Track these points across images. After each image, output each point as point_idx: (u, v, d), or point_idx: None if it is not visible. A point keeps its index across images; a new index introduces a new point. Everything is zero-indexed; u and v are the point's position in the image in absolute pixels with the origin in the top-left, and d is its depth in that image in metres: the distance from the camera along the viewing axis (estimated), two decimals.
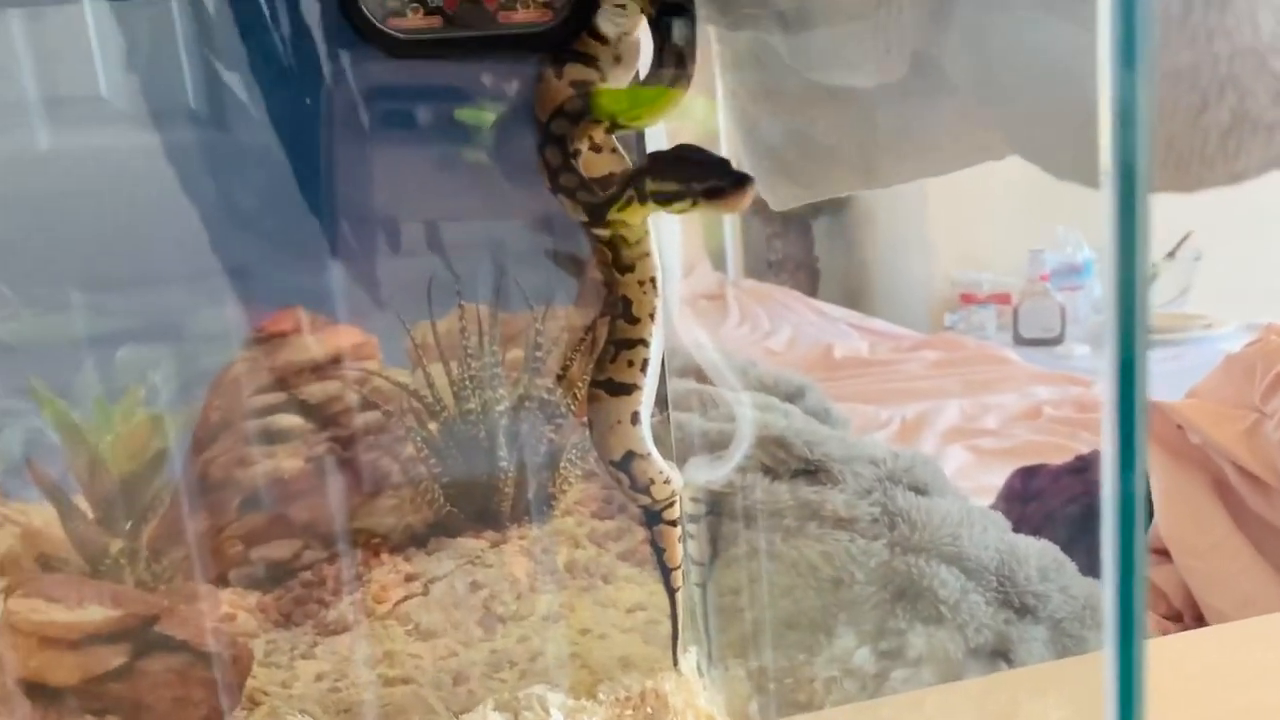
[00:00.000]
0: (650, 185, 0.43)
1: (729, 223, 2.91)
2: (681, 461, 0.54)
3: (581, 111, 0.42)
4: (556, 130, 0.42)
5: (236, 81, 0.47)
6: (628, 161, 0.47)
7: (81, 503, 0.48)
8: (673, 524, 0.50)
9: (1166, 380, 2.16)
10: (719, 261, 2.92)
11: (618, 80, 0.47)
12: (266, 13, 0.47)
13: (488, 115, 0.48)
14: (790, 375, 1.08)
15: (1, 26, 0.45)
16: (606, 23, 0.45)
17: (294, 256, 0.49)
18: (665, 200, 0.43)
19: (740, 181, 0.41)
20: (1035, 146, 0.31)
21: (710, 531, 0.62)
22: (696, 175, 0.42)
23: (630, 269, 0.48)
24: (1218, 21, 0.25)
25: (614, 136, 0.48)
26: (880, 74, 0.34)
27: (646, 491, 0.49)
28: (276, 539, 0.50)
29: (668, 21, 0.41)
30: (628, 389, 0.48)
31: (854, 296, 2.95)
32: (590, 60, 0.46)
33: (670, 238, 0.49)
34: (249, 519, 0.50)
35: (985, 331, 2.69)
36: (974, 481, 1.40)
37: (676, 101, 0.42)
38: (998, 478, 1.36)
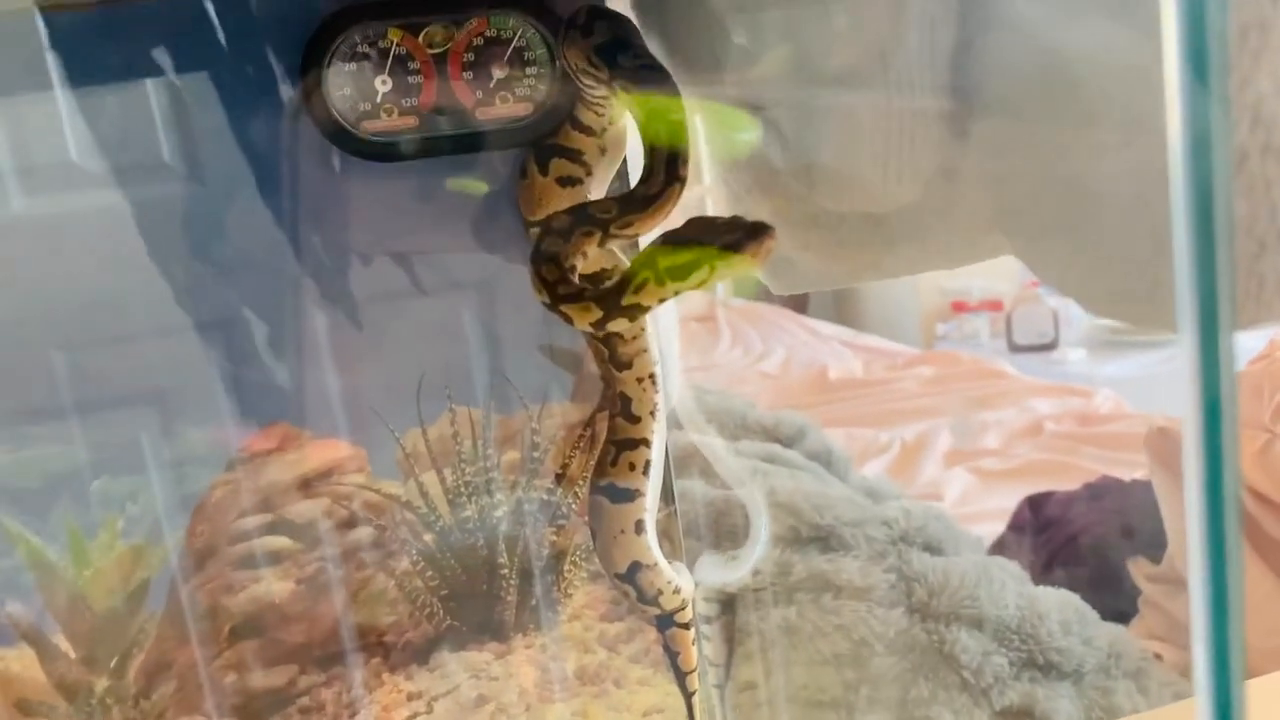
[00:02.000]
0: (663, 262, 0.39)
1: None
2: (689, 539, 0.52)
3: (570, 228, 0.40)
4: (549, 249, 0.40)
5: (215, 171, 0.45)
6: (619, 256, 0.45)
7: (62, 642, 0.46)
8: (685, 627, 0.48)
9: (1165, 384, 2.15)
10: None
11: (605, 172, 0.45)
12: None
13: (480, 185, 0.46)
14: (790, 417, 1.06)
15: None
16: (589, 114, 0.43)
17: (275, 366, 0.47)
18: (681, 274, 0.39)
19: (756, 232, 0.37)
20: (1069, 285, 0.29)
21: (725, 630, 0.60)
22: (708, 236, 0.38)
23: (628, 365, 0.46)
24: (1275, 171, 0.23)
25: None
26: (891, 201, 0.32)
27: (655, 603, 0.46)
28: (270, 665, 0.48)
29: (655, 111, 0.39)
30: (630, 495, 0.45)
31: (845, 310, 2.93)
32: (575, 154, 0.44)
33: (669, 330, 0.47)
34: (240, 646, 0.47)
35: (979, 339, 2.68)
36: (979, 506, 1.38)
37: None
38: (1003, 500, 1.34)
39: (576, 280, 0.40)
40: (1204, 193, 0.19)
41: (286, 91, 0.44)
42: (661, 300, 0.39)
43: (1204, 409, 0.20)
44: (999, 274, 2.70)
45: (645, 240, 0.41)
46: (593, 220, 0.39)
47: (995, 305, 2.72)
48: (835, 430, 1.17)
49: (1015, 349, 2.57)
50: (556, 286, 0.40)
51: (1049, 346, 2.54)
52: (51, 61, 0.42)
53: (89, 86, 0.43)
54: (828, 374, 2.05)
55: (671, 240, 0.39)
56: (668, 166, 0.38)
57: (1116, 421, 1.63)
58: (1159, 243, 0.24)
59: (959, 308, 2.79)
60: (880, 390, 1.93)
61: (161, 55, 0.43)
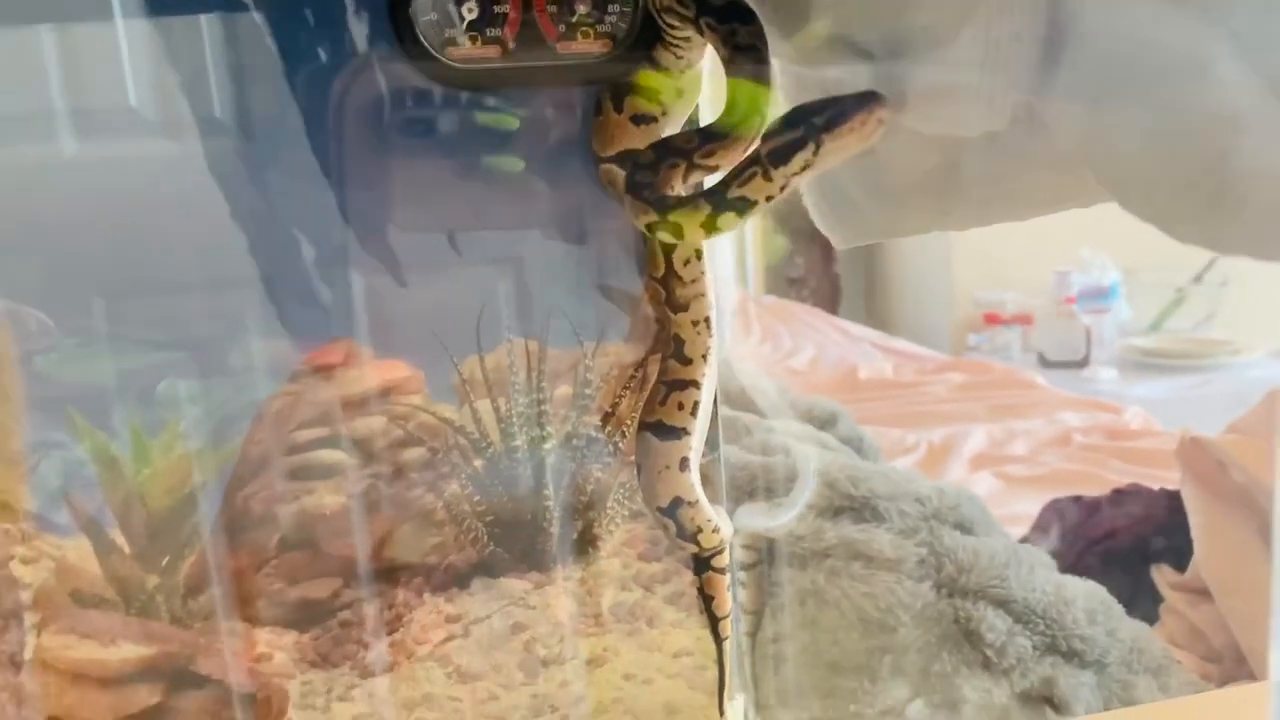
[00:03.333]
0: (765, 147, 0.39)
1: (749, 236, 2.90)
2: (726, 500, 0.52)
3: (656, 161, 0.41)
4: (641, 179, 0.40)
5: (279, 99, 0.46)
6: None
7: (118, 537, 0.47)
8: (721, 571, 0.49)
9: (1195, 407, 2.13)
10: (740, 275, 2.90)
11: (679, 112, 0.46)
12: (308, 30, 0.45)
13: (510, 119, 0.47)
14: (823, 402, 1.07)
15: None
16: (668, 54, 0.44)
17: (341, 283, 0.48)
18: (784, 156, 0.38)
19: (864, 100, 0.36)
20: (1155, 209, 0.29)
21: (760, 580, 0.60)
22: (812, 112, 0.38)
23: (684, 308, 0.47)
24: None
25: None
26: (980, 124, 0.33)
27: (694, 539, 0.47)
28: (315, 577, 0.49)
29: (740, 61, 0.40)
30: (677, 433, 0.46)
31: (876, 314, 2.92)
32: (652, 93, 0.44)
33: (724, 277, 0.47)
34: (288, 557, 0.48)
35: (1010, 352, 2.66)
36: (1005, 509, 1.37)
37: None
38: (1028, 506, 1.33)
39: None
40: None
41: (373, 20, 0.45)
42: (769, 197, 0.39)
43: None
44: (1033, 288, 2.68)
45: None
46: (678, 151, 0.40)
47: (1028, 319, 2.71)
48: (863, 428, 1.18)
49: (1046, 364, 2.55)
50: (660, 199, 0.40)
51: (1080, 363, 2.52)
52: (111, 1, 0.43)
53: (149, 28, 0.44)
54: (858, 373, 2.05)
55: (773, 128, 0.39)
56: (749, 99, 0.39)
57: (1145, 438, 1.62)
58: (1248, 168, 0.25)
59: (991, 319, 2.78)
60: (909, 393, 1.93)
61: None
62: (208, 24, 0.45)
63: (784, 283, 3.13)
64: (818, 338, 2.42)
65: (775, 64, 0.39)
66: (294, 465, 0.48)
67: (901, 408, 1.86)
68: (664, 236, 0.41)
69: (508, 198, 0.48)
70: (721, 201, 0.39)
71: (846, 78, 0.38)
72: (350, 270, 0.47)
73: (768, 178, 0.38)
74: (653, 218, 0.40)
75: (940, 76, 0.32)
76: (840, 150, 0.38)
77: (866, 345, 2.36)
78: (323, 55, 0.46)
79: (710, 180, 0.42)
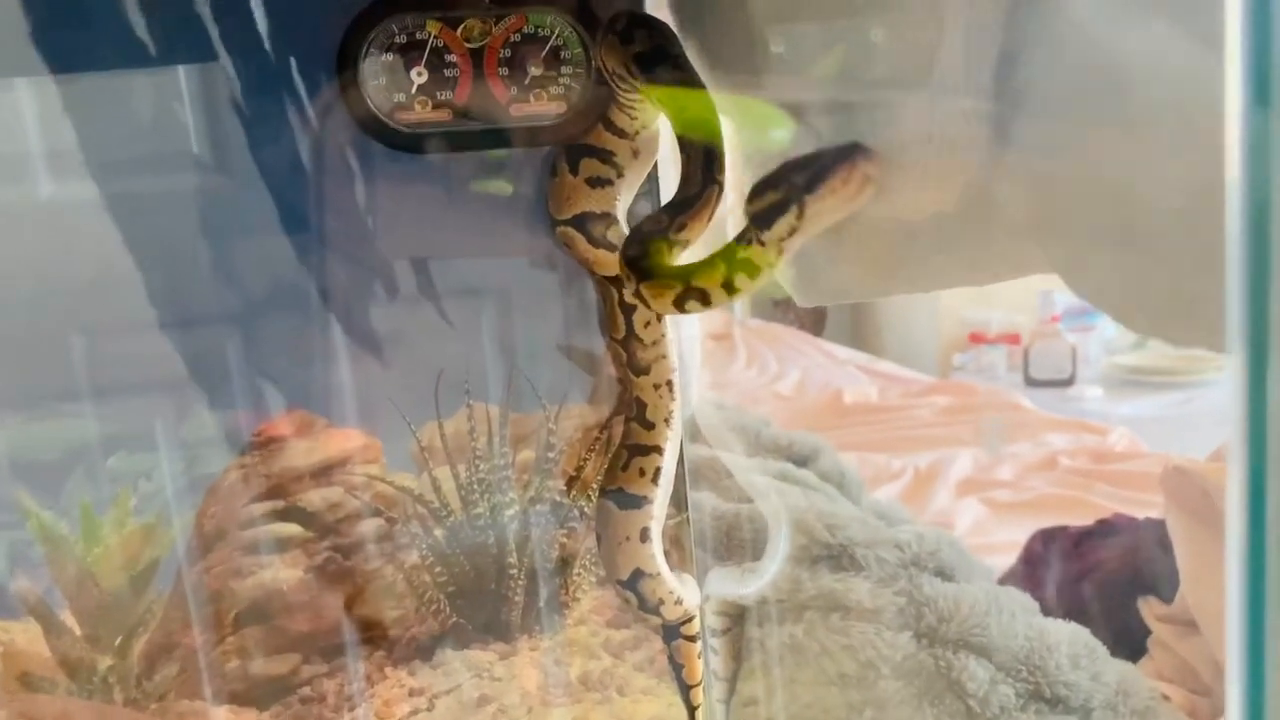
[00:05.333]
0: (750, 209, 0.36)
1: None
2: (697, 550, 0.51)
3: (643, 246, 0.39)
4: (633, 254, 0.38)
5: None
6: None
7: (68, 618, 0.46)
8: (691, 639, 0.48)
9: (1181, 425, 2.13)
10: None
11: (635, 175, 0.45)
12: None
13: (505, 185, 0.46)
14: (804, 437, 1.06)
15: None
16: (623, 116, 0.43)
17: (294, 354, 0.47)
18: (768, 220, 0.35)
19: (845, 155, 0.33)
20: (1106, 299, 0.28)
21: (734, 644, 0.59)
22: (794, 169, 0.35)
23: (645, 371, 0.46)
24: None
25: (625, 229, 0.45)
26: (927, 207, 0.32)
27: (656, 612, 0.46)
28: (274, 653, 0.47)
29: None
30: (638, 501, 0.45)
31: (861, 335, 2.92)
32: (607, 155, 0.43)
33: (691, 340, 0.46)
34: (245, 632, 0.47)
35: (995, 372, 2.66)
36: (991, 537, 1.37)
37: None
38: (1015, 533, 1.33)
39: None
40: (1261, 209, 0.18)
41: (319, 84, 0.44)
42: (768, 264, 0.36)
43: (1251, 432, 0.20)
44: (1018, 307, 2.68)
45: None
46: (652, 235, 0.39)
47: (1013, 339, 2.70)
48: (848, 454, 1.17)
49: (1031, 383, 2.55)
50: (664, 270, 0.38)
51: (1066, 383, 2.52)
52: (84, 45, 0.42)
53: (121, 72, 0.43)
54: (843, 398, 2.04)
55: (755, 189, 0.36)
56: (704, 169, 0.38)
57: (1131, 460, 1.61)
58: (1206, 258, 0.24)
59: (976, 339, 2.78)
60: (895, 417, 1.92)
61: (195, 42, 0.43)
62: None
63: (770, 305, 3.12)
64: (803, 361, 2.41)
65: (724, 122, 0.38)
66: (249, 539, 0.46)
67: (887, 432, 1.85)
68: (693, 308, 0.37)
69: (476, 248, 0.47)
70: (725, 269, 0.36)
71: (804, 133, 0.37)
72: (305, 340, 0.46)
73: (760, 243, 0.36)
74: (676, 290, 0.37)
75: (886, 156, 0.31)
76: (827, 211, 0.35)
77: (852, 368, 2.35)
78: (279, 119, 0.45)
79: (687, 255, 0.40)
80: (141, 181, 0.45)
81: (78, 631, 0.46)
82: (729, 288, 0.36)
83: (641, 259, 0.38)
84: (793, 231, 0.35)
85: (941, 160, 0.30)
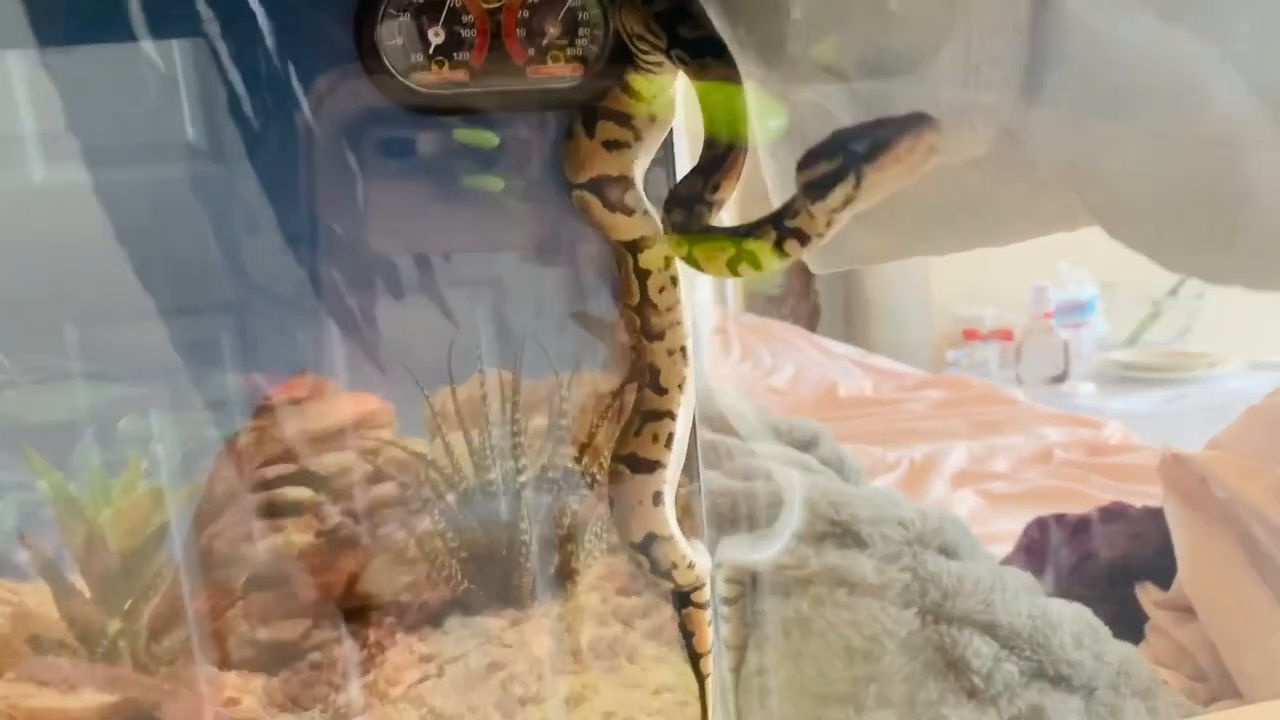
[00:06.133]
0: (801, 178, 0.34)
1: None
2: (709, 529, 0.51)
3: (686, 216, 0.38)
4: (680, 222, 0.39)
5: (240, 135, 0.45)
6: (658, 223, 0.45)
7: (78, 581, 0.45)
8: (702, 607, 0.48)
9: (1174, 420, 2.14)
10: (719, 295, 2.90)
11: (652, 138, 0.45)
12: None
13: (490, 136, 0.46)
14: (804, 423, 1.06)
15: None
16: (641, 78, 0.43)
17: (308, 315, 0.47)
18: (822, 189, 0.33)
19: (910, 124, 0.32)
20: (1144, 238, 0.28)
21: (743, 614, 0.59)
22: (852, 138, 0.33)
23: (660, 336, 0.46)
24: None
25: (642, 193, 0.45)
26: (961, 151, 0.32)
27: (669, 575, 0.46)
28: (284, 618, 0.47)
29: (713, 82, 0.39)
30: (650, 466, 0.45)
31: (855, 331, 2.92)
32: (624, 119, 0.43)
33: (702, 300, 0.46)
34: (255, 597, 0.47)
35: (988, 368, 2.66)
36: (987, 527, 1.37)
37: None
38: (1011, 523, 1.33)
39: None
40: None
41: (331, 54, 0.44)
42: (818, 234, 0.35)
43: None
44: (1012, 303, 2.69)
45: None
46: (692, 199, 0.38)
47: (1006, 335, 2.71)
48: (843, 446, 1.17)
49: (1024, 379, 2.56)
50: (715, 232, 0.37)
51: (1059, 379, 2.53)
52: (83, 28, 0.42)
53: (120, 54, 0.43)
54: (837, 391, 2.04)
55: (806, 156, 0.35)
56: (726, 110, 0.38)
57: (1126, 453, 1.62)
58: (1242, 193, 0.24)
59: (970, 335, 2.79)
60: (890, 410, 1.93)
61: (195, 17, 0.43)
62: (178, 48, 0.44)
63: (764, 300, 3.12)
64: (798, 356, 2.42)
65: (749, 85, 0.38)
66: (261, 503, 0.46)
67: (882, 425, 1.85)
68: (745, 270, 0.37)
69: (484, 221, 0.47)
70: (775, 234, 0.36)
71: (824, 102, 0.37)
72: (318, 300, 0.46)
73: (809, 214, 0.34)
74: (730, 253, 0.37)
75: (918, 102, 0.31)
76: (886, 182, 0.33)
77: (846, 363, 2.35)
78: (289, 81, 0.44)
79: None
80: (165, 141, 0.45)
81: (87, 594, 0.45)
82: (780, 251, 0.36)
83: (690, 222, 0.38)
84: (848, 202, 0.33)
85: (975, 103, 0.30)
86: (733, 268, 0.36)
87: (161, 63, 0.43)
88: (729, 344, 2.48)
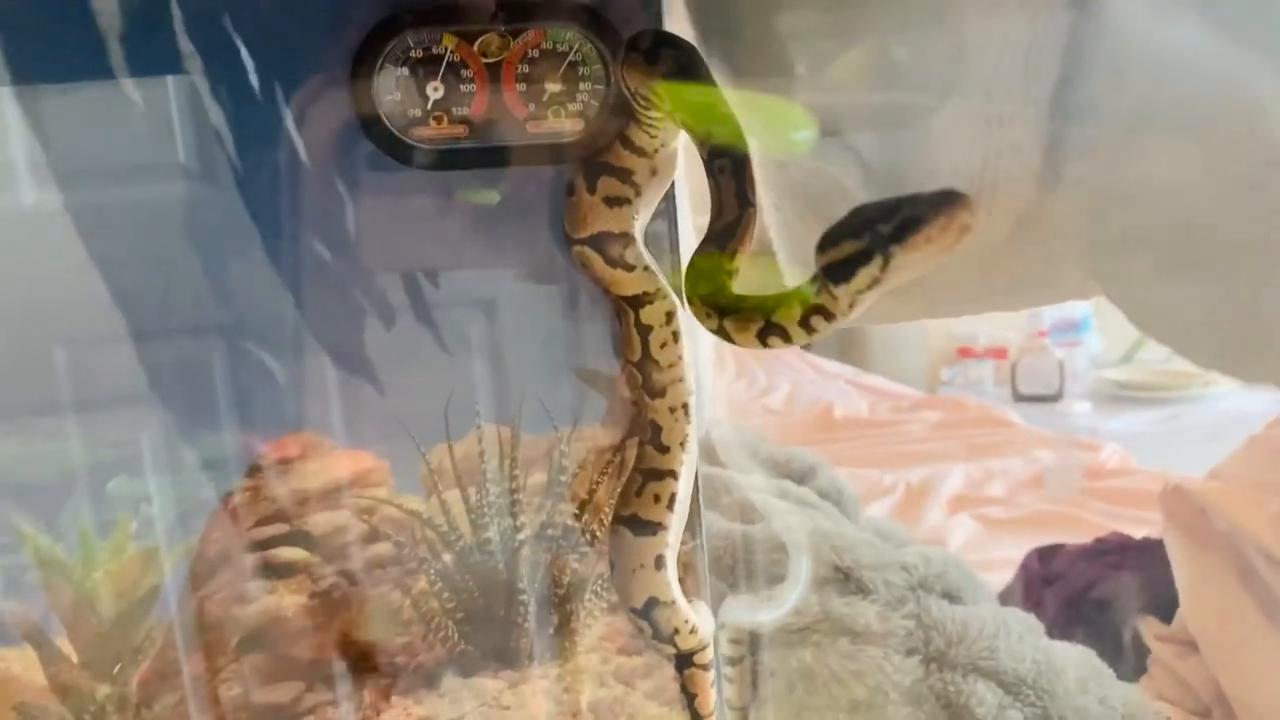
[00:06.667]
0: (822, 260, 0.33)
1: None
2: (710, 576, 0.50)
3: (714, 280, 0.38)
4: (707, 295, 0.38)
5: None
6: (660, 279, 0.44)
7: (65, 645, 0.44)
8: (705, 668, 0.47)
9: (1170, 440, 2.14)
10: None
11: (653, 193, 0.44)
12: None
13: (493, 194, 0.45)
14: (801, 454, 1.05)
15: None
16: (642, 134, 0.42)
17: (302, 373, 0.46)
18: (846, 273, 0.32)
19: (942, 203, 0.30)
20: (1174, 335, 0.28)
21: (748, 674, 0.58)
22: (878, 217, 0.31)
23: (661, 394, 0.45)
24: None
25: (644, 251, 0.44)
26: (977, 238, 0.31)
27: (671, 641, 0.45)
28: (277, 681, 0.46)
29: (722, 156, 0.38)
30: (653, 529, 0.44)
31: (849, 349, 2.92)
32: (625, 174, 0.43)
33: (705, 361, 0.45)
34: (248, 660, 0.46)
35: (983, 386, 2.67)
36: (984, 554, 1.36)
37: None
38: (1008, 550, 1.32)
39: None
40: None
41: (330, 97, 0.43)
42: (840, 315, 0.34)
43: None
44: (1006, 322, 2.69)
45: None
46: (714, 272, 0.37)
47: (1001, 353, 2.71)
48: (840, 470, 1.16)
49: (1019, 398, 2.56)
50: (745, 305, 0.37)
51: (1054, 397, 2.53)
52: (70, 52, 0.41)
53: (110, 79, 0.42)
54: (833, 412, 2.04)
55: (826, 236, 0.33)
56: (737, 193, 0.37)
57: (1123, 476, 1.62)
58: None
59: (964, 353, 2.79)
60: (886, 432, 1.92)
61: (192, 51, 0.42)
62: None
63: None
64: (792, 375, 2.41)
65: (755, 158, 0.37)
66: (252, 564, 0.45)
67: (878, 447, 1.85)
68: (775, 343, 0.36)
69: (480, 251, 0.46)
70: (800, 311, 0.35)
71: (828, 167, 0.36)
72: (308, 356, 0.45)
73: (831, 295, 0.33)
74: (758, 325, 0.36)
75: (935, 178, 0.30)
76: (915, 264, 0.31)
77: (841, 382, 2.35)
78: (282, 136, 0.44)
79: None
80: (137, 192, 0.44)
81: (75, 659, 0.44)
82: (807, 327, 0.35)
83: (718, 295, 0.37)
84: (874, 283, 0.32)
85: (996, 189, 0.29)
86: (763, 340, 0.36)
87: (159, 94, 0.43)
88: (723, 362, 2.47)
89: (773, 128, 0.41)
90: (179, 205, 0.44)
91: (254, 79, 0.43)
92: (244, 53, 0.42)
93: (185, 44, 0.42)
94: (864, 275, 0.32)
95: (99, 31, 0.41)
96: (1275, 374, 0.28)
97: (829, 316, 0.34)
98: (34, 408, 0.44)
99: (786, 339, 0.35)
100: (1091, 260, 0.30)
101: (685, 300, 0.39)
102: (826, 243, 0.33)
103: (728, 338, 0.36)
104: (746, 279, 0.38)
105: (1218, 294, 0.26)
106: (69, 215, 0.43)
